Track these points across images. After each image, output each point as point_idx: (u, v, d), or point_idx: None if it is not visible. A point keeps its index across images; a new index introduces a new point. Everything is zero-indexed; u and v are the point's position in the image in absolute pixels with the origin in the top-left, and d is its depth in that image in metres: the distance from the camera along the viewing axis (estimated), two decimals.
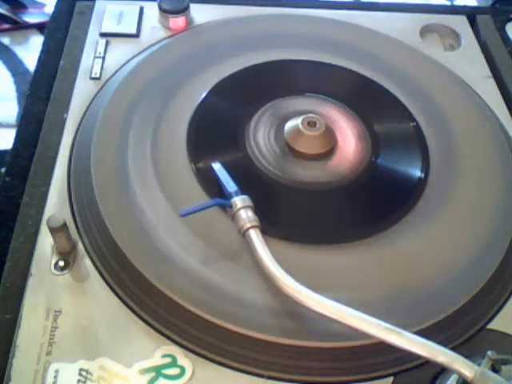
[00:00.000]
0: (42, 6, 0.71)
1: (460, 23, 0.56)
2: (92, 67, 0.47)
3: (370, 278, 0.36)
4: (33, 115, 0.45)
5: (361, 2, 0.63)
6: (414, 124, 0.45)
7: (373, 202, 0.41)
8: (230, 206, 0.36)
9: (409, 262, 0.37)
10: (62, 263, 0.35)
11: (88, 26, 0.51)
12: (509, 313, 0.36)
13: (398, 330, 0.30)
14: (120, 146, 0.41)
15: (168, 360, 0.32)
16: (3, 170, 0.42)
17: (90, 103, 0.45)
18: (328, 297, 0.31)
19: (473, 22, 0.57)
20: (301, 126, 0.42)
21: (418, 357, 0.30)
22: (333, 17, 0.54)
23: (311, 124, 0.42)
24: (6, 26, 0.68)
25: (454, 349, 0.30)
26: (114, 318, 0.34)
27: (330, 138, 0.42)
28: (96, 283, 0.35)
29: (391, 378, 0.33)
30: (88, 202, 0.38)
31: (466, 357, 0.29)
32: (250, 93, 0.46)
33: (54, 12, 0.54)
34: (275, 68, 0.48)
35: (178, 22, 0.51)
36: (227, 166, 0.39)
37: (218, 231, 0.37)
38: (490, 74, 0.51)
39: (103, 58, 0.48)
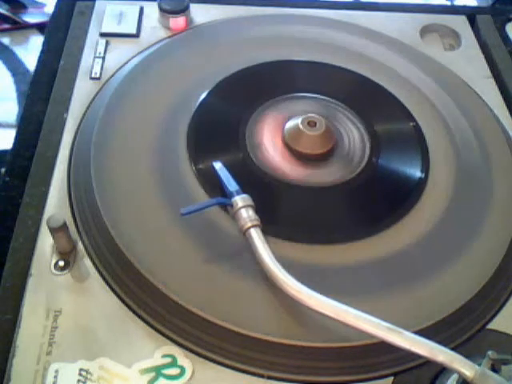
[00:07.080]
0: (42, 5, 0.71)
1: (460, 23, 0.56)
2: (92, 67, 0.47)
3: (371, 277, 0.36)
4: (33, 115, 0.45)
5: (361, 2, 0.63)
6: (414, 124, 0.45)
7: (373, 202, 0.41)
8: (231, 205, 0.36)
9: (409, 261, 0.37)
10: (61, 263, 0.35)
11: (88, 26, 0.51)
12: (509, 313, 0.36)
13: (398, 329, 0.30)
14: (120, 146, 0.41)
15: (168, 360, 0.32)
16: (3, 170, 0.42)
17: (90, 103, 0.45)
18: (328, 296, 0.31)
19: (473, 22, 0.57)
20: (301, 126, 0.42)
21: (418, 356, 0.30)
22: (333, 17, 0.54)
23: (311, 124, 0.42)
24: (6, 25, 0.68)
25: (454, 349, 0.30)
26: (114, 317, 0.34)
27: (330, 137, 0.42)
28: (96, 283, 0.35)
29: (391, 378, 0.33)
30: (88, 202, 0.38)
31: (466, 357, 0.29)
32: (249, 93, 0.46)
33: (54, 12, 0.54)
34: (275, 68, 0.48)
35: (178, 21, 0.51)
36: (228, 166, 0.39)
37: (218, 230, 0.37)
38: (490, 74, 0.51)
39: (103, 58, 0.48)
